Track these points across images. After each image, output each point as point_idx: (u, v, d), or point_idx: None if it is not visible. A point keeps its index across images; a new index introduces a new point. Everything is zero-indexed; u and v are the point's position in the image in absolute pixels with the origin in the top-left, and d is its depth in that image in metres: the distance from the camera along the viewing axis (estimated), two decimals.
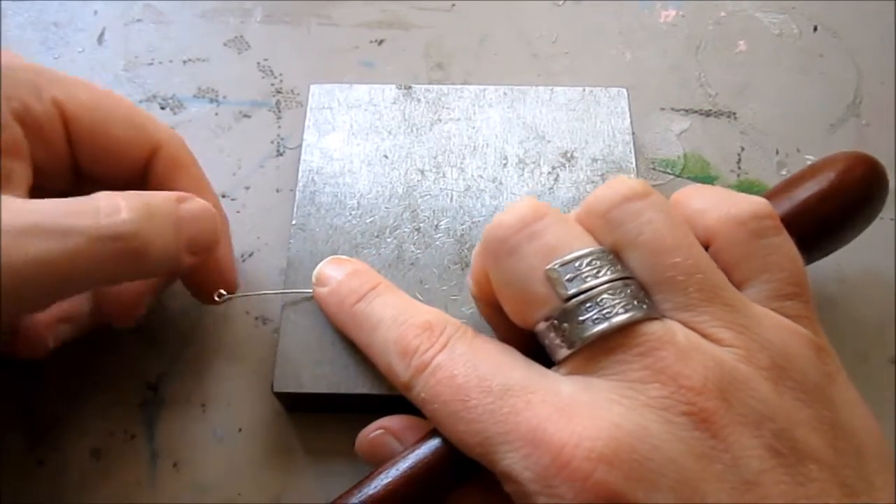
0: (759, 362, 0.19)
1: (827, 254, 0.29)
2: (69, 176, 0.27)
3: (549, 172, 0.31)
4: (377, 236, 0.30)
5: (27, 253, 0.21)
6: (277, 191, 0.34)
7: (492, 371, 0.20)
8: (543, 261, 0.20)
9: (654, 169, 0.35)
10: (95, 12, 0.40)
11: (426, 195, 0.31)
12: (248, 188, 0.34)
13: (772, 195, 0.27)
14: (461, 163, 0.32)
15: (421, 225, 0.30)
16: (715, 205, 0.21)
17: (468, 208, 0.30)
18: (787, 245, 0.21)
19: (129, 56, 0.38)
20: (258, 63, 0.38)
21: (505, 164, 0.31)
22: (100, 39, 0.39)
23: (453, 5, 0.40)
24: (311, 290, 0.28)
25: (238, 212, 0.34)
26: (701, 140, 0.36)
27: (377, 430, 0.24)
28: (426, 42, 0.39)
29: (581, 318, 0.19)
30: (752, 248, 0.21)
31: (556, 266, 0.19)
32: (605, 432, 0.17)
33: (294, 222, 0.30)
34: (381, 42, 0.39)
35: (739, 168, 0.35)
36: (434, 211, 0.30)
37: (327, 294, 0.27)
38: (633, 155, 0.32)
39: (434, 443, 0.21)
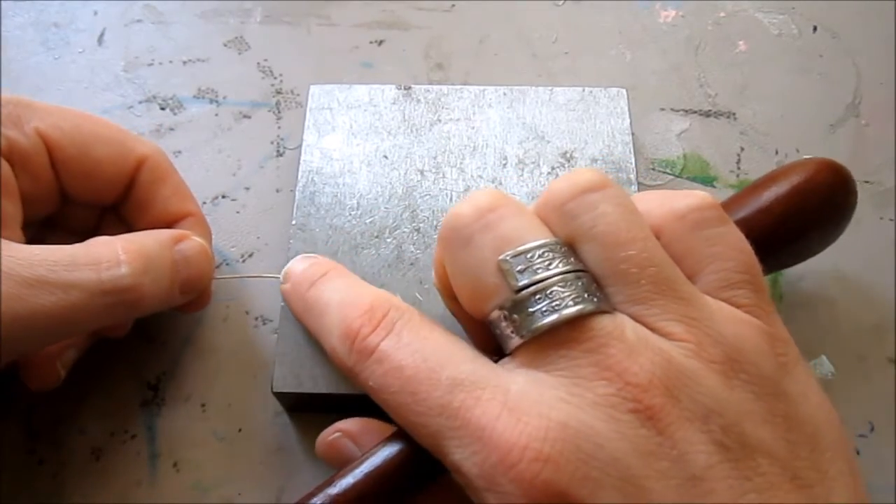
0: (710, 356, 0.19)
1: (799, 259, 0.29)
2: (56, 200, 0.28)
3: (549, 173, 0.31)
4: (377, 236, 0.30)
5: (29, 305, 0.22)
6: (277, 191, 0.34)
7: (440, 363, 0.20)
8: (496, 252, 0.20)
9: (653, 169, 0.35)
10: (95, 13, 0.40)
11: (426, 195, 0.31)
12: (248, 188, 0.34)
13: (739, 197, 0.27)
14: (461, 163, 0.32)
15: (420, 225, 0.30)
16: (657, 204, 0.21)
17: None
18: (731, 234, 0.21)
19: (129, 56, 0.38)
20: (258, 63, 0.38)
21: (504, 165, 0.32)
22: (100, 40, 0.39)
23: (453, 5, 0.40)
24: (279, 276, 0.28)
25: (238, 212, 0.34)
26: (700, 140, 0.36)
27: (335, 434, 0.24)
28: (426, 42, 0.39)
29: (531, 310, 0.19)
30: (695, 240, 0.21)
31: (508, 257, 0.19)
32: (553, 433, 0.17)
33: (294, 222, 0.30)
34: (380, 42, 0.39)
35: (739, 168, 0.35)
36: (434, 211, 0.30)
37: (288, 287, 0.27)
38: (632, 155, 0.32)
39: (395, 445, 0.22)
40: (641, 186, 0.34)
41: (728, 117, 0.37)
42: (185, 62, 0.38)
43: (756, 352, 0.19)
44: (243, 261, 0.32)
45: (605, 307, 0.19)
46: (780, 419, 0.19)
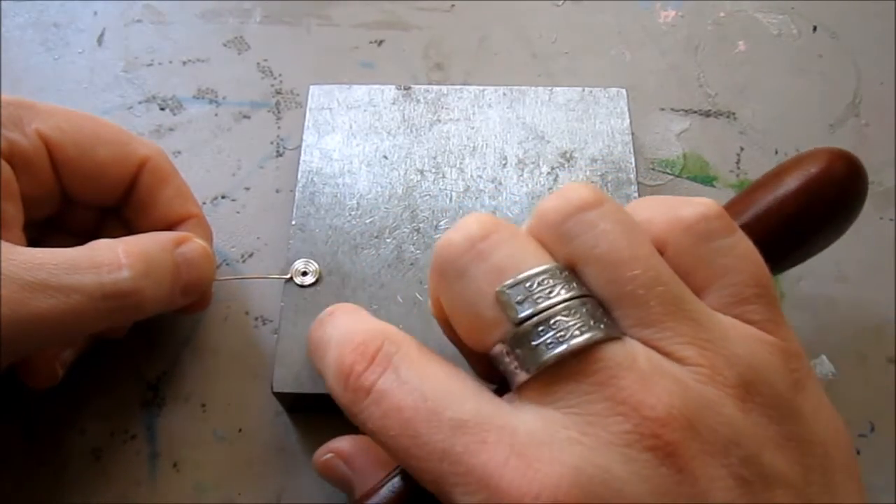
0: (725, 380, 0.18)
1: (807, 257, 0.27)
2: (57, 202, 0.28)
3: (549, 173, 0.31)
4: (377, 237, 0.30)
5: (30, 308, 0.22)
6: (277, 191, 0.34)
7: (441, 401, 0.18)
8: (492, 283, 0.19)
9: (653, 169, 0.35)
10: (95, 13, 0.40)
11: (426, 195, 0.31)
12: (247, 189, 0.34)
13: (745, 197, 0.26)
14: (460, 163, 0.32)
15: (420, 225, 0.30)
16: (661, 213, 0.20)
17: (468, 209, 0.30)
18: (741, 245, 0.20)
19: (129, 57, 0.38)
20: (258, 63, 0.38)
21: (504, 165, 0.32)
22: (100, 40, 0.39)
23: (453, 5, 0.40)
24: (283, 277, 0.28)
25: (238, 212, 0.34)
26: (700, 140, 0.36)
27: (327, 454, 0.24)
28: (426, 42, 0.39)
29: (534, 343, 0.18)
30: (704, 253, 0.20)
31: (506, 288, 0.18)
32: (566, 479, 0.16)
33: (294, 223, 0.30)
34: (380, 42, 0.39)
35: (739, 168, 0.35)
36: (433, 211, 0.30)
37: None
38: (632, 155, 0.32)
39: (394, 483, 0.21)
40: (641, 186, 0.34)
41: (728, 117, 0.37)
42: (184, 62, 0.38)
43: (770, 371, 0.18)
44: (243, 261, 0.32)
45: (614, 333, 0.18)
46: (794, 443, 0.18)
